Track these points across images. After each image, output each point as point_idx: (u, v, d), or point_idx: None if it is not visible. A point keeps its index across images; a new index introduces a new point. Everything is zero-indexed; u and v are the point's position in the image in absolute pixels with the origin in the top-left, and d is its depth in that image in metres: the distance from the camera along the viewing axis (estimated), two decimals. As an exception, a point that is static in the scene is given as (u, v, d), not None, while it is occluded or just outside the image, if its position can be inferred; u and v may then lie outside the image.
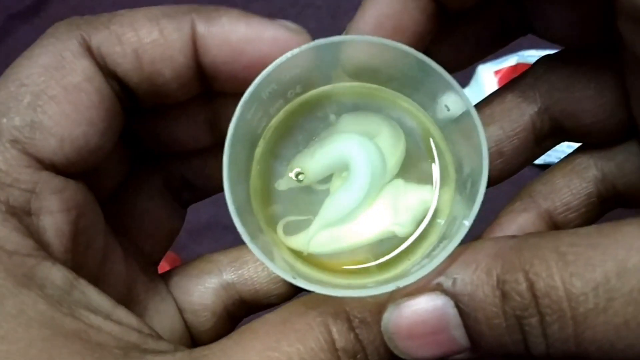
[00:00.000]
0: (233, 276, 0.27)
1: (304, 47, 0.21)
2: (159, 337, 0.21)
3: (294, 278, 0.19)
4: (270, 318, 0.20)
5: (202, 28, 0.22)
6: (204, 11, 0.22)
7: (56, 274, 0.20)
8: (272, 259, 0.20)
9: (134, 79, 0.22)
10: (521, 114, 0.25)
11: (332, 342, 0.19)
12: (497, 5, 0.24)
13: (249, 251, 0.19)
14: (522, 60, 0.58)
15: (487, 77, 0.59)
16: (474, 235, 0.22)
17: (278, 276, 0.25)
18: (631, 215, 0.19)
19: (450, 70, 0.22)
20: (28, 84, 0.21)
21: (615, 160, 0.25)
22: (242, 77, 0.22)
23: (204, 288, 0.27)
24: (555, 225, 0.26)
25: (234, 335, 0.20)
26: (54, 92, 0.21)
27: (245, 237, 0.19)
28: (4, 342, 0.18)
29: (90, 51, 0.21)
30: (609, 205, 0.26)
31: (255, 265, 0.27)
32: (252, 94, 0.21)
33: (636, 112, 0.24)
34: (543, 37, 0.25)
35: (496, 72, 0.59)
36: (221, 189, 0.20)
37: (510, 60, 0.58)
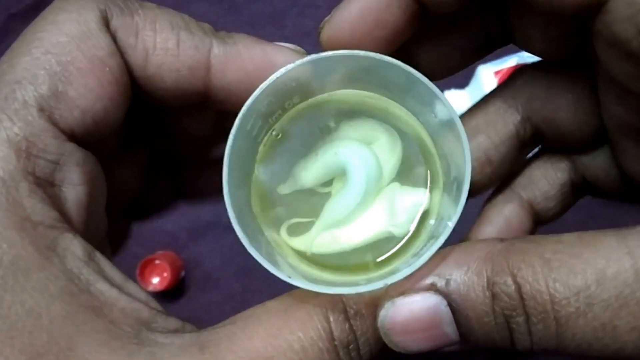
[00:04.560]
0: None
1: (299, 62, 0.22)
2: (167, 314, 0.22)
3: (290, 277, 0.20)
4: (273, 306, 0.22)
5: (219, 52, 0.23)
6: (220, 36, 0.23)
7: (77, 246, 0.21)
8: (271, 261, 0.21)
9: (135, 71, 0.23)
10: (505, 124, 0.27)
11: (330, 331, 0.21)
12: (480, 16, 0.26)
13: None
14: (522, 61, 0.59)
15: (487, 78, 0.59)
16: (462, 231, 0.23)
17: None
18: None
19: (438, 77, 0.24)
20: (54, 52, 0.21)
21: (585, 155, 0.27)
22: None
23: None
24: (536, 213, 0.28)
25: (238, 322, 0.21)
26: (80, 64, 0.21)
27: (244, 240, 0.21)
28: (29, 317, 0.19)
29: (108, 28, 0.22)
30: (580, 193, 0.28)
31: None
32: (250, 107, 0.22)
33: (606, 120, 0.25)
34: (523, 49, 0.26)
35: (496, 73, 0.59)
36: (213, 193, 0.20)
37: (510, 61, 0.58)
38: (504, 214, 0.27)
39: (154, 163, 0.31)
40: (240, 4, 0.66)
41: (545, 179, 0.28)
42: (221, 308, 0.57)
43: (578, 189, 0.28)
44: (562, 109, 0.26)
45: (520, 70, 0.27)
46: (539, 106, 0.26)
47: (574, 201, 0.29)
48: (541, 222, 0.28)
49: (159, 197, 0.32)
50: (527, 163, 0.29)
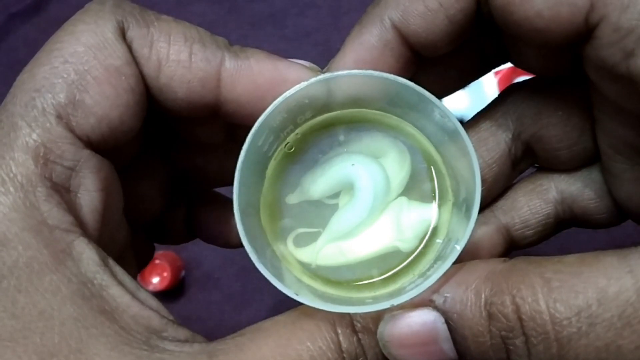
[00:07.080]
0: None
1: (313, 80, 0.22)
2: (178, 324, 0.22)
3: (297, 294, 0.21)
4: (281, 319, 0.22)
5: (230, 66, 0.23)
6: (233, 50, 0.24)
7: (91, 251, 0.21)
8: (278, 275, 0.21)
9: (148, 82, 0.23)
10: (497, 142, 0.27)
11: (339, 343, 0.21)
12: (476, 40, 0.25)
13: None
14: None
15: (487, 78, 0.59)
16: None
17: None
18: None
19: (437, 97, 0.24)
20: (72, 61, 0.21)
21: (575, 186, 0.27)
22: (259, 114, 0.23)
23: None
24: (511, 239, 0.28)
25: (247, 333, 0.21)
26: (97, 72, 0.22)
27: (253, 256, 0.21)
28: (41, 318, 0.19)
29: (124, 39, 0.23)
30: (563, 226, 0.28)
31: None
32: (262, 123, 0.22)
33: (601, 141, 0.25)
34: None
35: (496, 73, 0.59)
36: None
37: (510, 61, 0.58)
38: (478, 234, 0.27)
39: (172, 193, 0.31)
40: (240, 4, 0.66)
41: (528, 207, 0.27)
42: (221, 308, 0.56)
43: (562, 222, 0.28)
44: (552, 126, 0.26)
45: (511, 88, 0.27)
46: (529, 123, 0.26)
47: (556, 232, 0.28)
48: (516, 248, 0.28)
49: (176, 227, 0.32)
50: (514, 187, 0.28)
